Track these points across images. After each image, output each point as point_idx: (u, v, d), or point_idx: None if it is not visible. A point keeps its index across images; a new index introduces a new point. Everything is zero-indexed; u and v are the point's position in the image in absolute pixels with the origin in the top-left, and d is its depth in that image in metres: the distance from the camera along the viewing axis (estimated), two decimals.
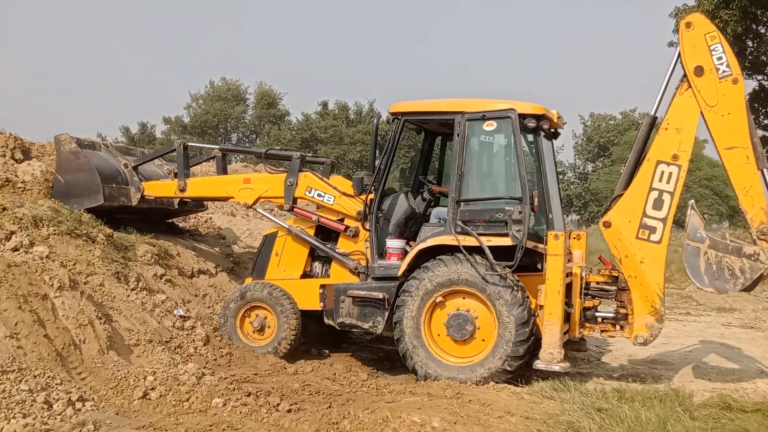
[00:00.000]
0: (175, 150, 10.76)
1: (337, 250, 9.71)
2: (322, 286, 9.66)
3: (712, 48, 8.44)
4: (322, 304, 9.61)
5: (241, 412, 6.96)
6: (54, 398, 6.42)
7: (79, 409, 6.46)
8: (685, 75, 8.61)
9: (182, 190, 10.56)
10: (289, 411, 7.07)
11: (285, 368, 9.18)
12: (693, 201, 9.18)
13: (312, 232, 9.99)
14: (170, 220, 12.65)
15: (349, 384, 8.66)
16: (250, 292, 9.78)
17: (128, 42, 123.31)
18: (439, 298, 8.79)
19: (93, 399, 6.82)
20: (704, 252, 8.55)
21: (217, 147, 10.98)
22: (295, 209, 10.05)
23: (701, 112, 8.52)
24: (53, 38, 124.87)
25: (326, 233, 9.95)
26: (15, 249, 8.32)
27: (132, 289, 9.10)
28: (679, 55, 8.65)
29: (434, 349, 8.82)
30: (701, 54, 8.48)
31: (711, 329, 13.65)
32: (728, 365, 10.64)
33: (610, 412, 7.12)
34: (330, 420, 6.81)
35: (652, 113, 9.03)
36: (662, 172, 8.65)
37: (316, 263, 10.08)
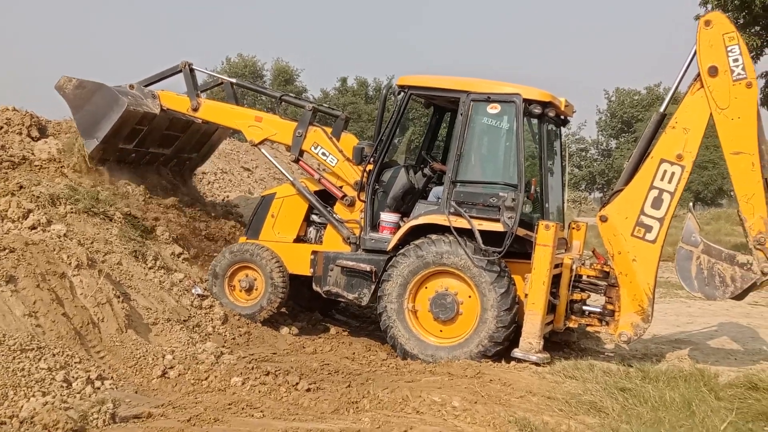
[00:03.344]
0: (181, 71, 10.82)
1: (334, 215, 9.75)
2: (314, 253, 9.72)
3: (729, 49, 8.29)
4: (312, 270, 9.68)
5: (260, 391, 7.02)
6: (73, 376, 6.50)
7: (99, 388, 6.54)
8: (698, 74, 8.49)
9: (195, 110, 10.64)
10: (309, 390, 7.12)
11: (304, 347, 9.23)
12: (691, 204, 9.12)
13: (313, 190, 10.02)
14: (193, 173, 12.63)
15: (369, 363, 8.70)
16: (218, 266, 9.88)
17: (145, 18, 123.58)
18: (426, 277, 8.86)
19: (112, 377, 6.90)
20: (697, 256, 8.50)
21: (233, 80, 11.06)
22: (300, 162, 10.13)
23: (711, 114, 8.42)
24: (64, 13, 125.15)
25: (325, 197, 9.97)
26: (32, 227, 8.39)
27: (150, 268, 9.16)
28: (694, 53, 8.53)
29: (416, 327, 8.91)
30: (717, 54, 8.33)
31: (737, 308, 13.54)
32: (754, 345, 10.58)
33: (633, 392, 7.10)
34: (349, 399, 6.85)
35: (662, 110, 8.96)
36: (665, 171, 8.55)
37: (311, 228, 10.13)
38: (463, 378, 7.70)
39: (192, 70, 10.81)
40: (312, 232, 10.12)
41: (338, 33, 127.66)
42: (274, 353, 8.74)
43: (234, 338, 8.98)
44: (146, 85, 10.96)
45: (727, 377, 8.09)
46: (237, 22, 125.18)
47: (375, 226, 9.45)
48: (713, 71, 8.35)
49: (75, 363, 6.73)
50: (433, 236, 8.81)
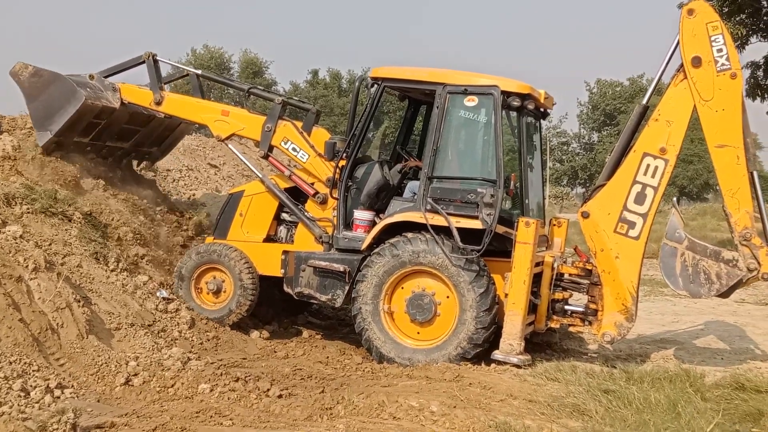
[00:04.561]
0: (144, 62, 10.73)
1: (305, 213, 9.73)
2: (285, 253, 9.70)
3: (712, 39, 8.38)
4: (283, 270, 9.66)
5: (229, 398, 6.99)
6: (31, 385, 6.43)
7: (58, 397, 6.48)
8: (682, 65, 8.56)
9: (158, 103, 10.57)
10: (280, 396, 7.11)
11: (275, 352, 9.22)
12: (675, 199, 9.21)
13: (283, 188, 9.99)
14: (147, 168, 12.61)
15: (343, 368, 8.70)
16: (184, 268, 9.87)
17: (105, 5, 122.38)
18: (402, 277, 8.88)
19: (72, 386, 6.84)
20: (681, 253, 8.59)
21: (198, 71, 11.04)
22: (270, 158, 10.10)
23: (695, 106, 8.49)
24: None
25: (296, 195, 9.94)
26: None
27: (112, 270, 9.08)
28: (677, 43, 8.59)
29: (392, 329, 8.92)
30: (701, 44, 8.42)
31: (723, 306, 13.70)
32: (741, 344, 10.70)
33: (617, 393, 7.16)
34: (323, 405, 6.84)
35: (644, 102, 9.02)
36: (648, 165, 8.63)
37: (281, 227, 10.10)
38: (442, 382, 7.72)
39: (156, 62, 10.70)
40: (282, 231, 10.09)
41: (339, 33, 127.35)
42: (244, 358, 8.71)
43: (201, 343, 8.94)
44: (107, 76, 10.86)
45: (714, 377, 8.19)
46: (237, 21, 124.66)
47: (348, 224, 9.43)
48: (696, 62, 8.43)
49: (33, 371, 6.66)
50: (409, 234, 8.82)
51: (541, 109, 9.78)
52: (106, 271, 9.00)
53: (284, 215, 10.07)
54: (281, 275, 9.69)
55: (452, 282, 8.63)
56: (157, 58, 10.74)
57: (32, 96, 10.44)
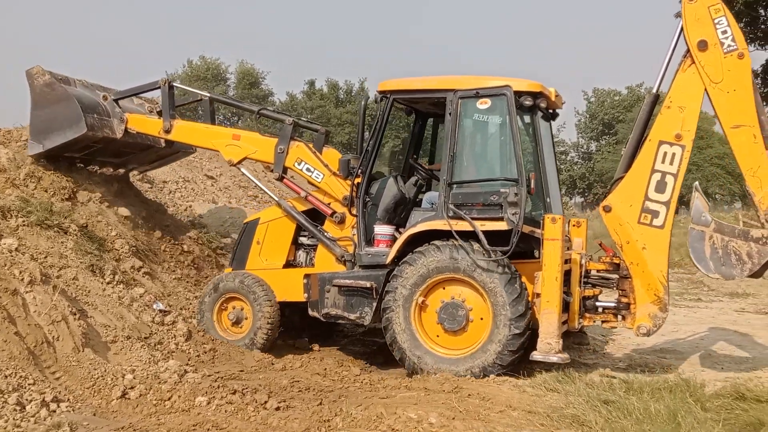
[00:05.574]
0: (159, 87, 10.74)
1: (324, 234, 9.72)
2: (306, 276, 9.67)
3: (716, 21, 8.39)
4: (306, 294, 9.63)
5: (226, 411, 6.98)
6: (27, 399, 6.43)
7: (54, 411, 6.48)
8: (688, 50, 8.57)
9: (167, 131, 10.56)
10: (278, 409, 7.09)
11: (273, 364, 9.19)
12: (697, 183, 9.16)
13: (300, 210, 9.99)
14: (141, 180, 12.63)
15: (341, 379, 8.69)
16: (222, 283, 9.83)
17: (101, 18, 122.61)
18: (431, 286, 8.82)
19: (68, 399, 6.84)
20: (709, 236, 8.55)
21: (207, 94, 11.03)
22: (285, 180, 10.09)
23: (705, 89, 8.50)
24: (18, 12, 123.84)
25: (313, 216, 9.94)
26: None
27: (108, 283, 9.08)
28: (681, 29, 8.61)
29: (424, 339, 8.85)
30: (705, 27, 8.43)
31: (723, 315, 13.72)
32: (741, 353, 10.70)
33: (617, 404, 7.15)
34: (321, 418, 6.84)
35: (654, 91, 9.04)
36: (665, 153, 8.61)
37: (300, 252, 10.08)
38: (441, 393, 7.72)
39: (171, 88, 10.70)
40: (302, 255, 10.07)
41: (338, 33, 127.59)
42: (241, 370, 8.70)
43: (198, 355, 8.93)
44: (121, 98, 10.90)
45: (714, 387, 8.17)
46: (235, 22, 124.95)
47: (369, 240, 9.42)
48: (702, 45, 8.44)
49: (29, 385, 6.66)
50: (438, 242, 8.74)
51: (551, 110, 9.77)
52: (102, 283, 9.00)
53: (302, 239, 10.06)
54: (305, 299, 9.66)
55: (484, 289, 8.53)
56: (174, 84, 10.78)
57: (38, 104, 10.45)
